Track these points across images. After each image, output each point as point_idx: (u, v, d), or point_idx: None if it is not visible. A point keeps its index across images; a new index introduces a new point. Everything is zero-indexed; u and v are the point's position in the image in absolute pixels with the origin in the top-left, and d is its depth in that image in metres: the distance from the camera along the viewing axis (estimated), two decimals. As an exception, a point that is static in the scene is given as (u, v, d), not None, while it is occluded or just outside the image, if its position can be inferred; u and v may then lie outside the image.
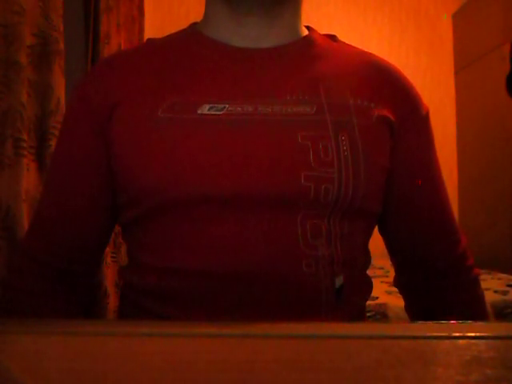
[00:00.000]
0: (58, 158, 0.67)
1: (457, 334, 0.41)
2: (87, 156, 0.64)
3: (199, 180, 0.57)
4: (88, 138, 0.64)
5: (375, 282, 0.70)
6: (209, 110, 0.59)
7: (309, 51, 0.67)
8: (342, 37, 0.73)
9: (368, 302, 0.70)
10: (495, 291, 1.76)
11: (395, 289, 0.78)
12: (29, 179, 0.92)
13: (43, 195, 0.68)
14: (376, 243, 0.80)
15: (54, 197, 0.66)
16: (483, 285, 0.73)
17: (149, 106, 0.60)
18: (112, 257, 1.41)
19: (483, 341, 0.40)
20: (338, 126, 0.59)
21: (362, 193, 0.59)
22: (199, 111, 0.59)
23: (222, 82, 0.62)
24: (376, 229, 0.71)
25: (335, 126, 0.59)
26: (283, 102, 0.60)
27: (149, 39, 0.71)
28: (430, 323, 0.48)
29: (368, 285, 0.68)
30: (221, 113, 0.59)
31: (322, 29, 0.75)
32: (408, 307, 0.77)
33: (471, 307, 0.71)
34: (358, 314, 0.66)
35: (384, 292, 1.70)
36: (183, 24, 0.74)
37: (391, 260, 0.76)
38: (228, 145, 0.58)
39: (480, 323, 0.49)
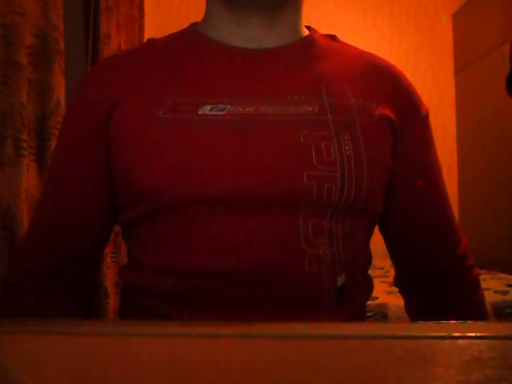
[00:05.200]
0: (58, 159, 0.67)
1: (457, 334, 0.41)
2: (87, 156, 0.64)
3: (201, 180, 0.57)
4: (88, 138, 0.64)
5: (375, 282, 0.70)
6: (210, 110, 0.59)
7: (310, 51, 0.67)
8: (342, 37, 0.73)
9: (368, 302, 0.70)
10: (495, 291, 1.76)
11: (395, 289, 0.78)
12: (29, 179, 0.92)
13: (43, 195, 0.68)
14: (376, 243, 0.80)
15: (53, 197, 0.66)
16: (483, 285, 0.73)
17: (149, 106, 0.60)
18: (112, 257, 1.41)
19: (483, 341, 0.40)
20: (339, 125, 0.59)
21: (364, 192, 0.59)
22: (200, 112, 0.59)
23: (223, 82, 0.62)
24: (376, 229, 0.71)
25: (337, 125, 0.59)
26: (284, 102, 0.60)
27: (149, 39, 0.71)
28: (430, 323, 0.48)
29: (369, 284, 0.68)
30: (222, 113, 0.59)
31: (322, 29, 0.75)
32: (408, 307, 0.77)
33: (471, 307, 0.71)
34: (359, 313, 0.66)
35: (384, 292, 1.69)
36: (183, 24, 0.74)
37: (391, 259, 0.76)
38: (229, 145, 0.57)
39: (480, 323, 0.49)
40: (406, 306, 0.78)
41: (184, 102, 0.60)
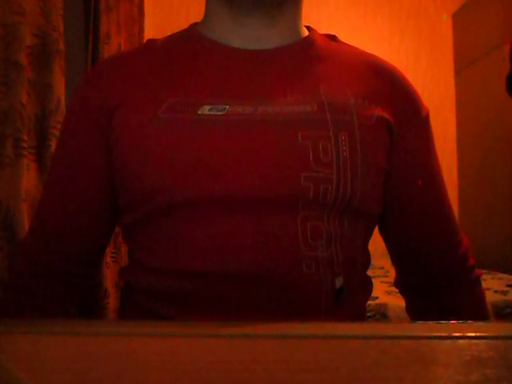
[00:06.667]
0: (59, 160, 0.67)
1: (457, 334, 0.41)
2: (88, 157, 0.64)
3: (199, 181, 0.57)
4: (88, 139, 0.64)
5: (375, 281, 0.70)
6: (209, 110, 0.59)
7: (309, 52, 0.67)
8: (342, 37, 0.73)
9: (368, 302, 0.70)
10: (495, 291, 1.76)
11: (395, 289, 0.78)
12: (29, 179, 0.92)
13: (44, 196, 0.68)
14: (376, 243, 0.80)
15: (54, 198, 0.66)
16: (483, 285, 0.73)
17: (149, 106, 0.60)
18: (112, 257, 1.41)
19: (483, 341, 0.40)
20: (338, 124, 0.59)
21: (359, 193, 0.59)
22: (199, 112, 0.59)
23: (223, 82, 0.62)
24: (376, 229, 0.71)
25: (336, 124, 0.59)
26: (284, 103, 0.60)
27: (149, 40, 0.71)
28: (430, 323, 0.48)
29: (368, 285, 0.68)
30: (221, 113, 0.59)
31: (322, 29, 0.75)
32: (409, 308, 0.77)
33: (472, 308, 0.71)
34: (358, 314, 0.66)
35: (384, 292, 1.70)
36: (183, 24, 0.74)
37: (392, 260, 0.76)
38: (228, 146, 0.57)
39: (480, 323, 0.49)
40: (406, 306, 0.78)
41: (183, 102, 0.60)
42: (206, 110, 0.59)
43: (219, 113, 0.59)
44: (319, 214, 0.58)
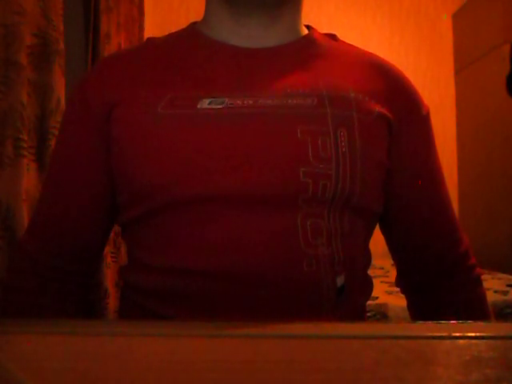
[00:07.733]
0: (58, 158, 0.67)
1: (457, 334, 0.41)
2: (86, 156, 0.64)
3: (199, 177, 0.56)
4: (87, 137, 0.64)
5: (375, 281, 0.70)
6: (209, 104, 0.59)
7: (309, 50, 0.67)
8: (342, 36, 0.73)
9: (368, 302, 0.70)
10: (495, 291, 1.76)
11: (395, 289, 0.78)
12: (29, 179, 0.92)
13: (42, 195, 0.68)
14: (376, 243, 0.80)
15: (53, 196, 0.66)
16: (483, 285, 0.73)
17: (148, 102, 0.60)
18: (112, 257, 1.41)
19: (483, 341, 0.40)
20: (337, 120, 0.59)
21: (358, 189, 0.59)
22: (199, 106, 0.59)
23: (222, 77, 0.62)
24: (376, 229, 0.71)
25: (335, 119, 0.59)
26: (284, 95, 0.60)
27: (149, 38, 0.71)
28: (430, 323, 0.48)
29: (369, 284, 0.68)
30: (221, 107, 0.59)
31: (322, 28, 0.75)
32: (410, 307, 0.77)
33: (473, 307, 0.71)
34: (359, 313, 0.66)
35: (384, 292, 1.69)
36: (183, 24, 0.74)
37: (393, 259, 0.76)
38: (228, 140, 0.57)
39: (480, 323, 0.49)
40: (408, 305, 0.78)
41: (183, 96, 0.60)
42: (205, 103, 0.59)
43: (218, 106, 0.59)
44: (319, 212, 0.58)
